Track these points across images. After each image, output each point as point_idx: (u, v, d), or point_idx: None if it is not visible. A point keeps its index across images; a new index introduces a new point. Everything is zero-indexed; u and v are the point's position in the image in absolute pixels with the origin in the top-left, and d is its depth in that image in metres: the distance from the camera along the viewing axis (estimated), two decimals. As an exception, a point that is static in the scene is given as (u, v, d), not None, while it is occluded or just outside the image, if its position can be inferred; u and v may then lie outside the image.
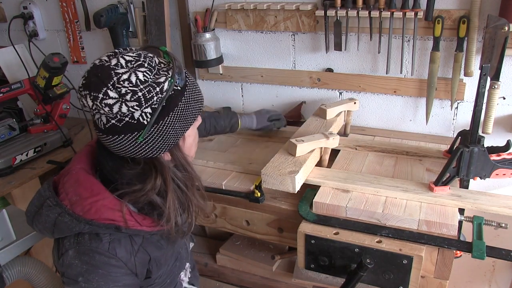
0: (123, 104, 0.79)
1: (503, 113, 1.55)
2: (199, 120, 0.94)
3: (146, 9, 1.90)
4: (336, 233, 1.14)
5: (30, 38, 2.18)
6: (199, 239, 1.87)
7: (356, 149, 1.49)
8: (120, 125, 0.81)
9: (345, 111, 1.60)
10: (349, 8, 1.54)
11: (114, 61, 0.81)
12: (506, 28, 1.27)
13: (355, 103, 1.59)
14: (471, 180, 1.25)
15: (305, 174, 1.26)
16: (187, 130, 0.89)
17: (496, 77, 1.37)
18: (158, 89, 0.80)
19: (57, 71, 1.80)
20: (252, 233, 1.39)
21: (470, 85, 1.55)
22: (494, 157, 1.17)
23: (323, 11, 1.59)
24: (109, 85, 0.78)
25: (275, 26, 1.74)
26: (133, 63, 0.82)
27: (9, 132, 1.82)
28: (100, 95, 0.78)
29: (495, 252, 1.06)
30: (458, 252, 1.19)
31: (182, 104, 0.85)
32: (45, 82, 1.81)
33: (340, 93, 1.79)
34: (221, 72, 1.94)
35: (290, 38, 1.77)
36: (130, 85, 0.79)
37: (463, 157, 1.15)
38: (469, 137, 1.16)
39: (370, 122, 1.78)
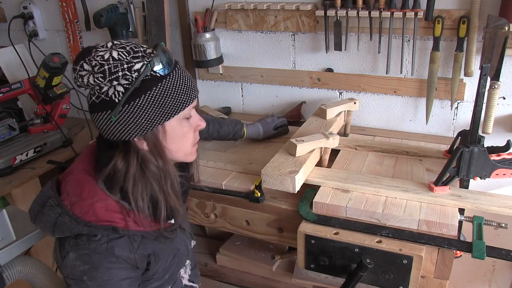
0: (91, 75, 0.83)
1: (503, 113, 1.55)
2: (190, 115, 0.94)
3: (146, 9, 1.90)
4: (336, 233, 1.14)
5: (30, 38, 2.18)
6: (199, 239, 1.87)
7: (356, 149, 1.49)
8: (97, 102, 0.86)
9: (345, 111, 1.60)
10: (349, 8, 1.54)
11: (103, 43, 0.87)
12: (506, 28, 1.27)
13: (355, 103, 1.59)
14: (471, 180, 1.25)
15: (305, 174, 1.26)
16: (165, 120, 0.89)
17: (496, 77, 1.37)
18: (126, 66, 0.83)
19: (57, 71, 1.80)
20: (252, 233, 1.39)
21: (470, 85, 1.55)
22: (494, 157, 1.17)
23: (323, 11, 1.59)
24: (86, 59, 0.84)
25: (275, 26, 1.74)
26: (117, 46, 0.86)
27: (9, 132, 1.82)
28: (78, 67, 0.84)
29: (495, 252, 1.06)
30: (458, 252, 1.19)
31: (158, 90, 0.86)
32: (45, 82, 1.81)
33: (340, 93, 1.79)
34: (221, 72, 1.94)
35: (290, 38, 1.77)
36: (101, 59, 0.83)
37: (463, 157, 1.15)
38: (469, 137, 1.16)
39: (370, 122, 1.78)
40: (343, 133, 1.63)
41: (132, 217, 0.92)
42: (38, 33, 2.20)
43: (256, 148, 1.58)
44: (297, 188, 1.21)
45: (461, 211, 1.15)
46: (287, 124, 1.65)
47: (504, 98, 1.52)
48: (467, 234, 1.17)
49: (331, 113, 1.55)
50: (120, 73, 0.83)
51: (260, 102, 1.95)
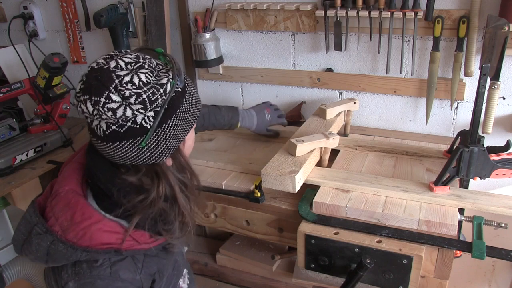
0: (128, 107, 0.75)
1: (503, 113, 1.55)
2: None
3: (146, 9, 1.90)
4: (336, 233, 1.14)
5: (30, 38, 2.18)
6: (199, 239, 1.87)
7: (356, 149, 1.49)
8: (122, 131, 0.77)
9: (345, 111, 1.60)
10: (349, 8, 1.54)
11: (113, 64, 0.77)
12: (506, 28, 1.27)
13: (355, 103, 1.59)
14: (471, 180, 1.25)
15: (305, 174, 1.26)
16: (188, 132, 0.86)
17: (496, 77, 1.37)
18: (162, 90, 0.77)
19: (57, 71, 1.80)
20: (252, 233, 1.39)
21: (470, 85, 1.55)
22: (494, 157, 1.17)
23: (323, 11, 1.59)
24: (111, 88, 0.74)
25: (275, 26, 1.74)
26: (133, 64, 0.78)
27: (9, 132, 1.82)
28: (102, 99, 0.74)
29: (495, 252, 1.06)
30: (458, 252, 1.19)
31: (184, 106, 0.83)
32: (45, 82, 1.82)
33: (340, 93, 1.79)
34: (221, 72, 1.94)
35: (290, 38, 1.77)
36: (134, 87, 0.75)
37: (463, 157, 1.15)
38: (469, 137, 1.16)
39: (370, 122, 1.78)
40: (343, 133, 1.63)
41: (132, 236, 0.85)
42: (38, 33, 2.20)
43: (256, 148, 1.58)
44: (297, 188, 1.21)
45: (461, 211, 1.15)
46: (279, 132, 1.66)
47: (504, 98, 1.52)
48: (467, 234, 1.17)
49: (331, 113, 1.55)
50: (159, 99, 0.76)
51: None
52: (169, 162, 0.87)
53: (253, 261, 1.64)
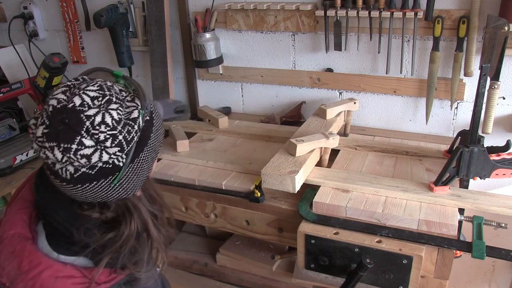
0: (103, 152, 0.68)
1: (503, 113, 1.55)
2: None
3: (146, 9, 1.90)
4: (336, 233, 1.14)
5: (30, 38, 2.18)
6: (199, 239, 1.87)
7: (356, 149, 1.49)
8: (92, 173, 0.69)
9: (345, 111, 1.60)
10: (349, 8, 1.54)
11: (77, 101, 0.68)
12: (506, 28, 1.27)
13: (355, 103, 1.59)
14: (471, 180, 1.25)
15: (305, 174, 1.26)
16: (156, 159, 0.81)
17: (496, 77, 1.37)
18: (136, 127, 0.71)
19: (57, 71, 1.80)
20: (252, 233, 1.39)
21: (470, 85, 1.55)
22: (494, 157, 1.17)
23: (323, 11, 1.59)
24: (83, 132, 0.66)
25: (275, 26, 1.74)
26: (100, 99, 0.69)
27: (9, 132, 1.82)
28: (74, 146, 0.66)
29: (495, 252, 1.06)
30: (458, 252, 1.19)
31: (153, 135, 0.77)
32: (45, 82, 1.82)
33: (340, 93, 1.79)
34: (221, 72, 1.94)
35: (290, 38, 1.77)
36: (108, 128, 0.67)
37: (463, 157, 1.15)
38: (469, 137, 1.16)
39: (370, 122, 1.78)
40: (343, 133, 1.63)
41: (93, 274, 0.75)
42: (38, 33, 2.20)
43: (256, 148, 1.58)
44: (297, 188, 1.21)
45: (461, 211, 1.15)
46: (188, 109, 1.58)
47: (504, 98, 1.52)
48: (467, 234, 1.17)
49: (331, 113, 1.55)
50: (135, 137, 0.71)
51: (260, 102, 1.95)
52: (138, 193, 0.81)
53: (253, 261, 1.64)
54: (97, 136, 0.67)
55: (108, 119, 0.68)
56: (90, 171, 0.69)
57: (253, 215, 1.35)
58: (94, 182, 0.70)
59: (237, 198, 1.34)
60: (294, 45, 1.77)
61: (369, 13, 1.52)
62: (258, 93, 1.94)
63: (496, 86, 1.39)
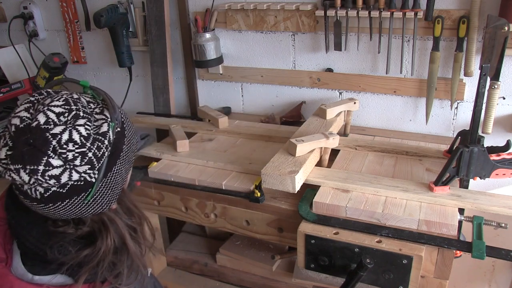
0: (73, 171, 0.65)
1: (503, 113, 1.55)
2: None
3: (146, 9, 1.90)
4: (336, 233, 1.14)
5: (30, 38, 2.19)
6: (199, 239, 1.87)
7: (356, 149, 1.49)
8: (64, 191, 0.67)
9: (345, 111, 1.60)
10: (349, 8, 1.54)
11: (42, 118, 0.64)
12: (506, 28, 1.27)
13: (355, 103, 1.59)
14: (471, 180, 1.25)
15: (305, 174, 1.26)
16: (130, 169, 0.79)
17: (496, 77, 1.37)
18: (106, 142, 0.68)
19: (57, 71, 1.80)
20: (252, 233, 1.39)
21: (470, 85, 1.55)
22: (494, 157, 1.17)
23: (323, 11, 1.59)
24: (49, 152, 0.63)
25: (275, 26, 1.74)
26: (66, 115, 0.66)
27: (9, 132, 1.82)
28: (41, 167, 0.63)
29: (495, 252, 1.06)
30: (458, 252, 1.19)
31: (126, 146, 0.74)
32: (45, 82, 1.82)
33: (340, 93, 1.79)
34: (221, 72, 1.94)
35: (290, 38, 1.77)
36: (76, 146, 0.64)
37: (463, 157, 1.15)
38: (469, 137, 1.16)
39: (370, 122, 1.78)
40: (343, 133, 1.63)
41: None
42: (38, 33, 2.20)
43: (256, 148, 1.58)
44: (297, 188, 1.21)
45: (461, 211, 1.15)
46: (151, 135, 1.61)
47: (504, 98, 1.52)
48: (467, 234, 1.17)
49: (331, 113, 1.55)
50: (105, 152, 0.68)
51: (260, 102, 1.95)
52: (114, 206, 0.79)
53: (253, 261, 1.64)
54: (65, 155, 0.64)
55: (75, 136, 0.65)
56: (61, 190, 0.67)
57: (253, 215, 1.35)
58: (66, 200, 0.68)
59: (237, 198, 1.34)
60: (294, 45, 1.77)
61: (369, 13, 1.52)
62: (258, 93, 1.94)
63: (496, 86, 1.39)
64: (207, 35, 1.80)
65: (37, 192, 0.66)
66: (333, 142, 1.35)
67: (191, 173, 1.44)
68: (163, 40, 1.91)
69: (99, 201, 0.72)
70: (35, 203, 0.68)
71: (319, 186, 1.27)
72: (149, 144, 1.59)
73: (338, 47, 1.65)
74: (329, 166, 1.39)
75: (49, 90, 0.72)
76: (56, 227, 0.73)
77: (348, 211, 1.18)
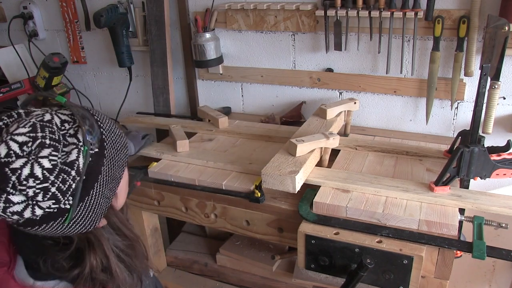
0: (36, 206, 0.63)
1: (503, 113, 1.55)
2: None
3: (146, 9, 1.90)
4: (336, 233, 1.14)
5: (30, 38, 2.18)
6: (199, 239, 1.87)
7: (356, 149, 1.49)
8: (38, 219, 0.65)
9: (345, 111, 1.60)
10: (349, 8, 1.54)
11: (3, 150, 0.61)
12: (506, 28, 1.27)
13: (355, 103, 1.59)
14: (471, 180, 1.25)
15: (305, 174, 1.26)
16: (118, 185, 0.76)
17: (496, 77, 1.37)
18: (73, 172, 0.64)
19: (57, 71, 1.80)
20: (252, 233, 1.39)
21: (470, 85, 1.55)
22: (494, 157, 1.17)
23: (323, 11, 1.59)
24: (8, 189, 0.60)
25: (275, 26, 1.74)
26: (30, 145, 0.62)
27: (9, 132, 1.82)
28: (1, 204, 0.61)
29: (495, 252, 1.06)
30: (459, 252, 1.19)
31: (106, 166, 0.70)
32: (45, 82, 1.82)
33: (340, 93, 1.79)
34: (221, 72, 1.94)
35: (290, 38, 1.77)
36: (37, 181, 0.61)
37: (464, 157, 1.15)
38: (469, 137, 1.16)
39: (370, 122, 1.78)
40: (343, 133, 1.63)
41: None
42: (38, 33, 2.20)
43: (256, 148, 1.58)
44: (297, 188, 1.21)
45: (462, 211, 1.15)
46: (151, 134, 1.62)
47: (504, 98, 1.52)
48: (467, 234, 1.17)
49: (331, 113, 1.55)
50: (73, 184, 0.64)
51: (260, 102, 1.95)
52: (103, 222, 0.76)
53: (253, 261, 1.64)
54: (25, 192, 0.61)
55: (37, 171, 0.61)
56: (34, 217, 0.65)
57: (253, 215, 1.35)
58: (44, 225, 0.66)
59: (237, 198, 1.34)
60: (294, 45, 1.77)
61: (369, 13, 1.52)
62: (258, 93, 1.94)
63: (496, 86, 1.39)
64: (207, 35, 1.80)
65: (12, 220, 0.65)
66: (333, 142, 1.34)
67: (191, 173, 1.43)
68: (163, 40, 1.91)
69: (80, 222, 0.70)
70: (15, 225, 0.67)
71: (319, 186, 1.27)
72: (149, 144, 1.60)
73: (338, 47, 1.65)
74: (329, 166, 1.39)
75: (20, 111, 0.69)
76: (47, 241, 0.73)
77: (348, 211, 1.18)
